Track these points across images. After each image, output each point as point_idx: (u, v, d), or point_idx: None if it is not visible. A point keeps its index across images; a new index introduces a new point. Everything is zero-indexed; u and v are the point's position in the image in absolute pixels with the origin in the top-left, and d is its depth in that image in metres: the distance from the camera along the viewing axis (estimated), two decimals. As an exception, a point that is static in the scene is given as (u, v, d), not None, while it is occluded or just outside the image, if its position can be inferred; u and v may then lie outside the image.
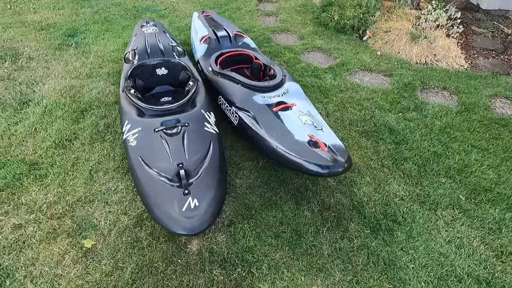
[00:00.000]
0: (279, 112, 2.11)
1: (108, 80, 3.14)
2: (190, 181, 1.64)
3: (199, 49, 3.13)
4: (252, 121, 2.15)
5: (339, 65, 3.58)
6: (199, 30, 3.40)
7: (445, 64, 3.67)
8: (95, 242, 1.76)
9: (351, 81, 3.32)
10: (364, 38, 4.20)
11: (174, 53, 3.00)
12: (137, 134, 1.96)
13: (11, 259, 1.68)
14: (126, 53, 2.94)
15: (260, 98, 2.22)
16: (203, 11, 3.90)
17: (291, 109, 2.15)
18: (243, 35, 3.34)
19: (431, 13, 4.00)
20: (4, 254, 1.69)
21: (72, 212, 1.93)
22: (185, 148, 1.82)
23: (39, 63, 3.31)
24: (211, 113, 2.26)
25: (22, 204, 1.96)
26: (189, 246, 1.78)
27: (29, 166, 2.20)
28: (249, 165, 2.30)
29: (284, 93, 2.29)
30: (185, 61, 2.89)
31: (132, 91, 2.29)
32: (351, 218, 1.95)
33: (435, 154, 2.41)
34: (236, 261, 1.71)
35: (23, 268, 1.64)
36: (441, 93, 3.18)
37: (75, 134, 2.48)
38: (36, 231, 1.81)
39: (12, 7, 4.64)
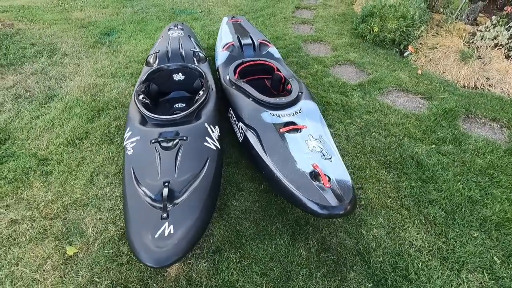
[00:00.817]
0: (286, 134, 1.91)
1: (130, 81, 3.18)
2: (174, 202, 1.52)
3: (220, 56, 3.04)
4: (256, 141, 1.99)
5: (371, 82, 3.25)
6: (224, 36, 3.31)
7: (500, 90, 3.16)
8: (77, 251, 1.73)
9: (381, 101, 2.99)
10: (405, 54, 3.80)
11: (195, 59, 2.94)
12: (134, 143, 1.90)
13: (-2, 255, 1.71)
14: (148, 56, 2.95)
15: (269, 116, 2.05)
16: (233, 17, 3.81)
17: (300, 131, 1.95)
18: (269, 44, 3.19)
19: (489, 30, 3.49)
20: (-6, 249, 1.73)
21: (65, 214, 1.93)
22: (177, 165, 1.71)
23: (71, 60, 3.47)
24: (216, 127, 2.14)
25: (23, 199, 2.01)
26: (169, 270, 1.67)
27: (38, 161, 2.27)
28: (249, 186, 2.13)
29: (296, 112, 2.09)
30: (204, 67, 2.81)
31: (141, 96, 2.25)
32: (352, 266, 1.69)
33: (469, 199, 2.03)
34: (213, 296, 1.56)
35: (7, 267, 1.65)
36: (489, 125, 2.73)
37: (87, 133, 2.53)
38: (28, 230, 1.83)
39: (63, 4, 5.00)
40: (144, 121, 2.05)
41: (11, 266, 1.66)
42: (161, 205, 1.50)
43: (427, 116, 2.77)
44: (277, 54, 3.13)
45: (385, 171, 2.24)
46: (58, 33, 4.01)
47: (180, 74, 2.74)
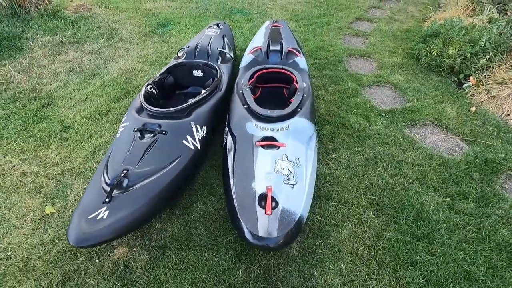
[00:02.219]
0: (259, 149, 1.83)
1: (163, 71, 3.43)
2: (123, 190, 1.60)
3: (245, 59, 3.05)
4: (231, 149, 1.95)
5: (405, 111, 2.85)
6: (256, 39, 3.31)
7: None
8: (54, 211, 1.97)
9: (407, 135, 2.60)
10: (464, 86, 3.21)
11: (220, 58, 3.02)
12: (123, 128, 2.06)
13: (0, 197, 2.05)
14: (180, 50, 3.13)
15: (252, 127, 1.98)
16: (276, 21, 3.77)
17: (277, 149, 1.84)
18: (298, 53, 3.06)
19: None
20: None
21: (61, 177, 2.20)
22: (144, 156, 1.79)
23: (124, 44, 3.92)
24: (204, 127, 2.16)
25: (38, 157, 2.37)
26: (115, 250, 1.77)
27: (62, 127, 2.64)
28: (221, 192, 2.11)
29: (283, 128, 1.97)
30: (224, 68, 2.86)
31: (149, 86, 2.41)
32: (286, 306, 1.54)
33: (466, 275, 1.63)
34: (139, 289, 1.60)
35: (3, 209, 1.98)
36: (542, 192, 2.13)
37: (108, 111, 2.83)
38: (30, 183, 2.16)
39: (140, -5, 5.64)
40: (140, 110, 2.19)
41: (5, 209, 1.98)
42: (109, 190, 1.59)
43: (457, 163, 2.30)
44: (303, 64, 2.99)
45: (373, 214, 1.96)
46: (123, 20, 4.57)
47: (199, 71, 2.84)
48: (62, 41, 3.75)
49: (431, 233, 1.83)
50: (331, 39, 4.29)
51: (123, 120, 2.15)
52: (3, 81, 3.15)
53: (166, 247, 1.79)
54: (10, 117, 2.74)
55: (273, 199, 1.54)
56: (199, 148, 2.06)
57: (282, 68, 2.76)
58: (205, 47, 3.06)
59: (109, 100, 2.95)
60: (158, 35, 4.22)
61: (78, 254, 1.74)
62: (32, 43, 3.70)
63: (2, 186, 2.14)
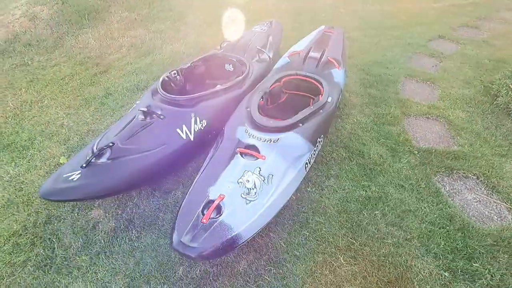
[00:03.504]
0: (237, 155, 1.78)
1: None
2: (101, 159, 1.76)
3: (280, 61, 2.96)
4: (214, 147, 1.95)
5: (447, 155, 2.37)
6: (300, 43, 3.17)
7: None
8: (66, 162, 2.29)
9: (433, 183, 2.17)
10: (548, 142, 2.49)
11: (258, 56, 3.00)
12: (135, 105, 2.25)
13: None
14: (223, 41, 3.21)
15: (241, 132, 1.93)
16: (332, 27, 3.52)
17: (254, 159, 1.76)
18: (337, 65, 2.82)
19: None
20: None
21: (85, 136, 2.55)
22: (133, 135, 1.93)
23: (186, 28, 4.21)
24: (204, 121, 2.20)
25: (78, 114, 2.78)
26: (93, 211, 1.98)
27: (105, 93, 3.04)
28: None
29: (270, 140, 1.86)
30: (256, 66, 2.84)
31: (173, 72, 2.55)
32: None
33: None
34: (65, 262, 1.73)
35: (34, 149, 2.40)
36: None
37: (146, 87, 3.12)
38: (62, 135, 2.56)
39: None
40: (156, 91, 2.35)
41: (36, 151, 2.39)
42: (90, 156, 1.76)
43: (484, 235, 1.82)
44: (339, 78, 2.75)
45: (344, 260, 1.71)
46: (196, 6, 4.89)
47: (231, 65, 2.88)
48: (135, 18, 4.24)
49: (403, 304, 1.52)
50: (394, 55, 3.80)
51: (140, 97, 2.34)
52: (81, 45, 3.75)
53: (132, 222, 1.92)
54: (74, 76, 3.27)
55: (219, 209, 1.49)
56: (191, 139, 2.11)
57: (312, 78, 2.59)
58: (246, 43, 3.07)
59: (151, 78, 3.24)
60: (221, 24, 4.40)
61: (66, 204, 2.01)
62: (113, 17, 4.30)
63: (43, 131, 2.59)
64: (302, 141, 1.91)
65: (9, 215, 1.94)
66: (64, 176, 1.68)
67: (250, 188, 1.61)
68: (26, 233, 1.85)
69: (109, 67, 3.40)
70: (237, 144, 1.84)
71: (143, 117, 2.04)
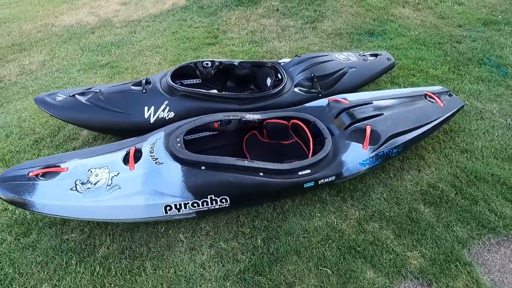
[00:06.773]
0: (122, 153, 1.78)
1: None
2: (79, 96, 2.21)
3: (316, 102, 2.35)
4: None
5: None
6: (375, 92, 2.47)
7: None
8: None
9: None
10: None
11: (309, 83, 2.51)
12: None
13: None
14: (299, 55, 2.86)
15: (152, 140, 1.83)
16: (449, 93, 2.33)
17: (127, 165, 1.73)
18: (367, 142, 1.94)
19: None
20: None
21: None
22: (115, 93, 2.28)
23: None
24: (172, 113, 2.21)
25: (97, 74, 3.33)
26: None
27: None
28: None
29: (157, 160, 1.68)
30: (291, 95, 2.45)
31: (208, 63, 2.50)
32: None
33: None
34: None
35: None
36: None
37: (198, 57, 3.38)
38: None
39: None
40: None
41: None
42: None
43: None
44: (353, 159, 1.92)
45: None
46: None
47: (271, 81, 2.59)
48: (278, 9, 4.34)
49: None
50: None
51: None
52: (226, 20, 4.32)
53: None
54: (184, 44, 3.80)
55: (53, 175, 1.66)
56: (151, 121, 2.16)
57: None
58: (308, 64, 2.59)
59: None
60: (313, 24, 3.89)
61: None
62: (265, 2, 4.58)
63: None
64: (180, 183, 1.62)
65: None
66: (56, 95, 2.32)
67: (90, 182, 1.61)
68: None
69: (217, 42, 3.76)
70: (135, 144, 1.81)
71: (135, 83, 2.33)
